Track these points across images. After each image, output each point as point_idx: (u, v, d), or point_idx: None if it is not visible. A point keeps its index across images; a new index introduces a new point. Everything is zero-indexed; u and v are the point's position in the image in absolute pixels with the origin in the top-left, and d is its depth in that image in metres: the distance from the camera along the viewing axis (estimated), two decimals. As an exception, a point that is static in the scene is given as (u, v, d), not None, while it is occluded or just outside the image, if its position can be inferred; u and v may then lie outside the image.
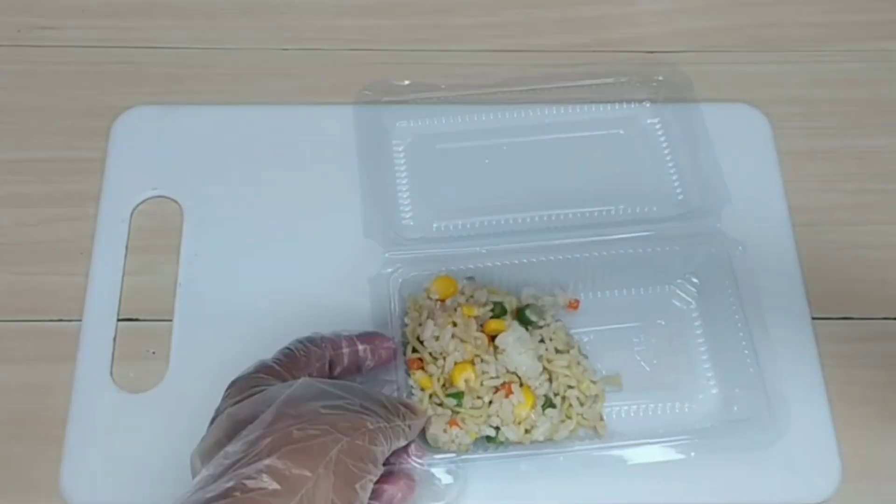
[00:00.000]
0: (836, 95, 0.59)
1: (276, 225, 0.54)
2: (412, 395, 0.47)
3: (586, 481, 0.47)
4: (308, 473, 0.36)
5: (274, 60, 0.60)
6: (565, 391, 0.47)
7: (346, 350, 0.45)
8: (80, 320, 0.51)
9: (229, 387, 0.42)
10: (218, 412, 0.41)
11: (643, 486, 0.47)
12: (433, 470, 0.44)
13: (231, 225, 0.54)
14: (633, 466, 0.46)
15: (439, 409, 0.46)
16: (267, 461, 0.36)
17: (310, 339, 0.45)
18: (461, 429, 0.46)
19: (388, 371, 0.47)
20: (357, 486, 0.37)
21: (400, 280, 0.50)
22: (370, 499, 0.39)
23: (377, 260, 0.51)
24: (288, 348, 0.44)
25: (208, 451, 0.38)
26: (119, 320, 0.51)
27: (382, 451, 0.39)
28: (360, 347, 0.45)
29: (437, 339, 0.47)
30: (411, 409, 0.43)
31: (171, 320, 0.51)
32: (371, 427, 0.39)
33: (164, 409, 0.49)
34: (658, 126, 0.57)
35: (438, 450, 0.46)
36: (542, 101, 0.57)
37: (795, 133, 0.58)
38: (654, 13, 0.63)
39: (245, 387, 0.41)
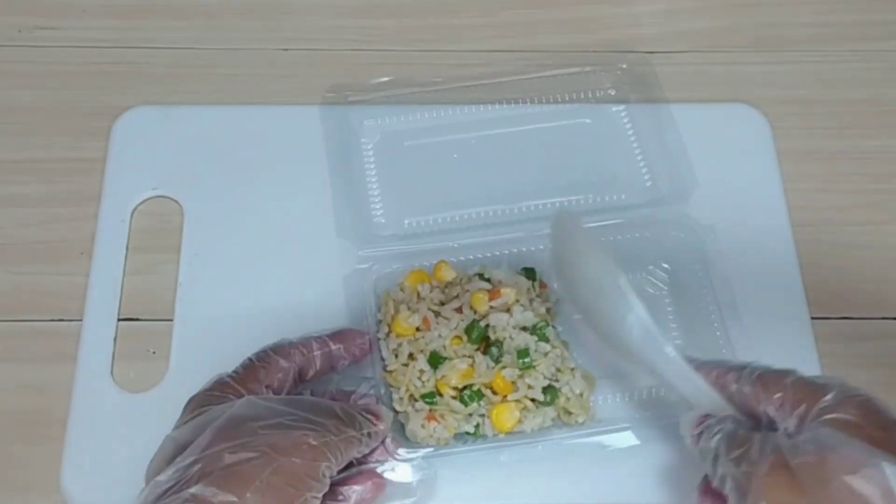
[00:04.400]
0: (835, 96, 0.59)
1: (275, 225, 0.54)
2: (390, 390, 0.47)
3: (566, 468, 0.47)
4: (234, 499, 0.35)
5: (275, 61, 0.60)
6: (563, 380, 0.47)
7: (317, 353, 0.44)
8: (80, 320, 0.51)
9: (187, 404, 0.41)
10: (172, 432, 0.40)
11: (622, 470, 0.47)
12: (406, 465, 0.44)
13: (231, 225, 0.54)
14: (612, 452, 0.47)
15: (417, 405, 0.46)
16: (193, 489, 0.35)
17: (274, 348, 0.44)
18: (440, 423, 0.46)
19: (363, 367, 0.47)
20: None
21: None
22: (337, 501, 0.39)
23: (352, 258, 0.51)
24: (249, 359, 0.43)
25: (152, 478, 0.37)
26: (119, 320, 0.51)
27: (328, 465, 0.38)
28: (333, 347, 0.45)
29: (395, 355, 0.47)
30: (374, 415, 0.42)
31: (171, 320, 0.51)
32: (314, 443, 0.38)
33: (164, 409, 0.48)
34: (624, 114, 0.57)
35: (417, 444, 0.46)
36: (507, 96, 0.57)
37: (795, 133, 0.58)
38: (654, 13, 0.63)
39: (196, 405, 0.40)
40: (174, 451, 0.38)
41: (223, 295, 0.52)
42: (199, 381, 0.47)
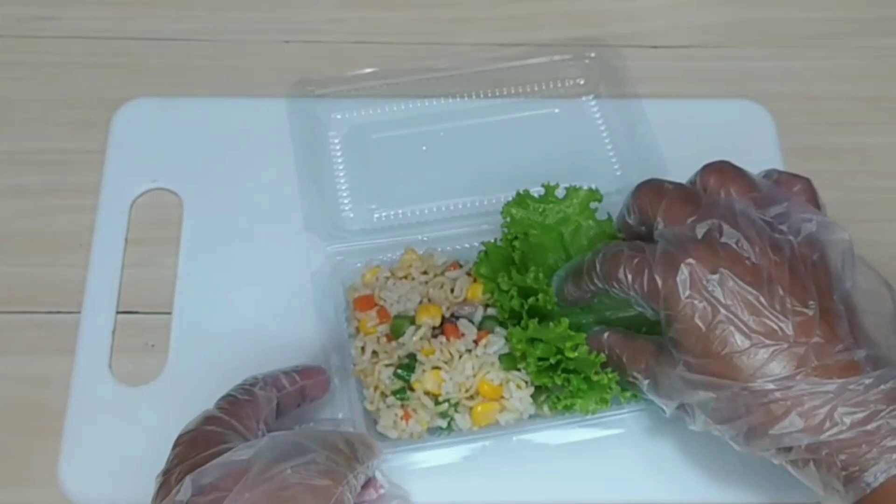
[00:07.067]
0: (840, 92, 0.59)
1: (275, 218, 0.53)
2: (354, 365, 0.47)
3: (535, 461, 0.47)
4: None
5: (275, 53, 0.60)
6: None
7: (290, 389, 0.44)
8: (78, 312, 0.51)
9: (177, 443, 0.40)
10: (169, 472, 0.38)
11: (599, 461, 0.47)
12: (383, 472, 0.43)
13: (231, 218, 0.53)
14: (589, 443, 0.47)
15: (388, 400, 0.45)
16: None
17: (251, 383, 0.43)
18: (413, 419, 0.45)
19: (322, 404, 0.46)
20: None
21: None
22: None
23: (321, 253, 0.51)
24: (231, 395, 0.42)
25: None
26: (118, 313, 0.51)
27: (349, 499, 0.38)
28: (302, 383, 0.44)
29: (363, 352, 0.47)
30: (369, 448, 0.41)
31: (170, 313, 0.51)
32: (339, 489, 0.37)
33: (162, 402, 0.48)
34: (593, 104, 0.57)
35: (391, 441, 0.45)
36: (477, 87, 0.57)
37: (799, 129, 0.57)
38: (658, 8, 0.63)
39: (199, 444, 0.39)
40: (194, 492, 0.36)
41: (222, 288, 0.51)
42: (197, 375, 0.47)
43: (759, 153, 0.56)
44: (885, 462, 0.34)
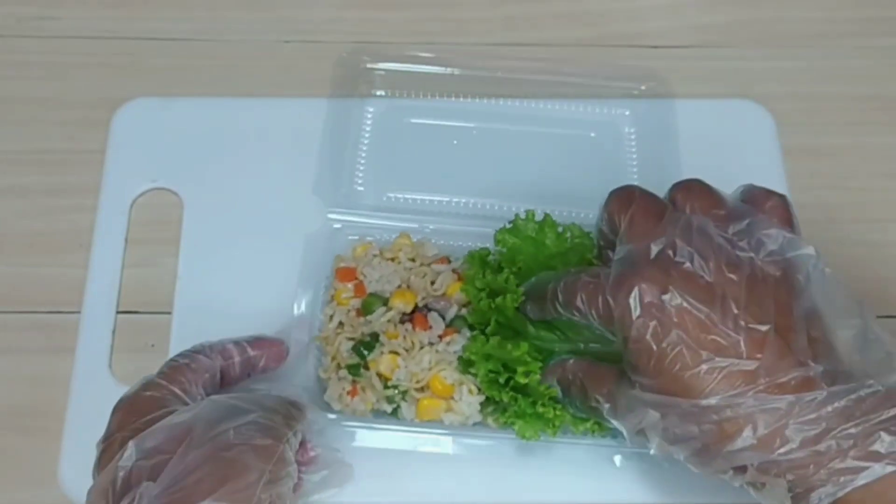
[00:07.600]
0: (841, 92, 0.59)
1: (273, 216, 0.53)
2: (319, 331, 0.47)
3: (480, 463, 0.47)
4: None
5: (275, 53, 0.60)
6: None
7: (238, 359, 0.44)
8: (79, 312, 0.51)
9: (116, 409, 0.40)
10: (110, 439, 0.39)
11: (540, 468, 0.47)
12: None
13: (231, 217, 0.53)
14: (531, 447, 0.46)
15: (341, 373, 0.46)
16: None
17: (196, 350, 0.44)
18: (359, 396, 0.46)
19: (277, 374, 0.46)
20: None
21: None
22: None
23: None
24: (173, 359, 0.43)
25: (118, 489, 0.36)
26: (118, 313, 0.51)
27: (290, 457, 0.39)
28: (252, 353, 0.45)
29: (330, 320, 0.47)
30: (299, 409, 0.42)
31: (170, 313, 0.51)
32: (281, 447, 0.38)
33: (162, 403, 0.48)
34: (633, 137, 0.56)
35: (332, 412, 0.46)
36: (519, 93, 0.57)
37: (800, 130, 0.57)
38: (658, 7, 0.62)
39: (138, 410, 0.39)
40: (138, 457, 0.37)
41: (222, 288, 0.51)
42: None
43: (759, 153, 0.56)
44: (832, 485, 0.34)
